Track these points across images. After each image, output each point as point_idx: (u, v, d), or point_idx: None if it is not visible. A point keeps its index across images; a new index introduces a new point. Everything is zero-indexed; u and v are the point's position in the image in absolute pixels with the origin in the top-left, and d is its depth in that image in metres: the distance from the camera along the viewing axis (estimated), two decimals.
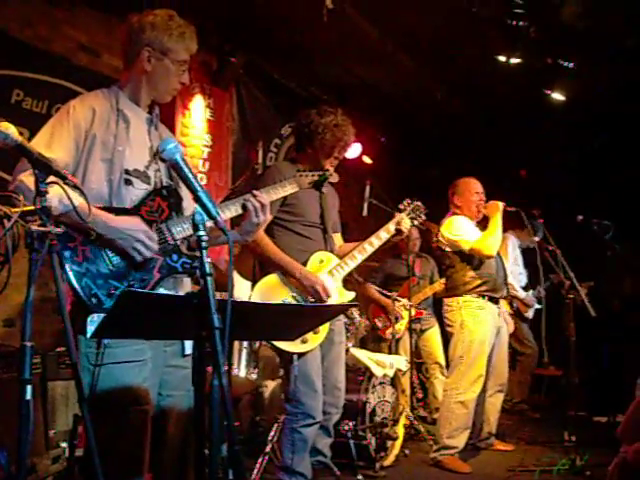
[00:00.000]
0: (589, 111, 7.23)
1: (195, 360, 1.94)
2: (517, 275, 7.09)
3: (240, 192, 2.62)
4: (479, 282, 4.99)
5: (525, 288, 7.16)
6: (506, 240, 6.67)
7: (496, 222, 4.96)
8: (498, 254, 5.17)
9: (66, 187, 1.97)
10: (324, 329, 3.60)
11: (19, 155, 1.96)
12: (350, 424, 4.49)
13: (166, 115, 2.81)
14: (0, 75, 4.67)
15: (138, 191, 2.40)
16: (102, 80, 4.07)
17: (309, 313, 2.45)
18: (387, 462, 4.75)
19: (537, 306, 7.14)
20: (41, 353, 3.83)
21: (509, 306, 6.58)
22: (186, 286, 2.53)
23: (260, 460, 4.24)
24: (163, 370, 2.42)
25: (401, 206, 4.05)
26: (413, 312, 6.11)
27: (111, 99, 2.48)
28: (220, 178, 6.53)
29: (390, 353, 5.81)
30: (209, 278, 1.82)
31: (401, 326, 6.33)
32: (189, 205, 2.50)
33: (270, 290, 3.58)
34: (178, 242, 2.39)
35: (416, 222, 4.08)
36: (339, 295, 3.74)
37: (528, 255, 7.07)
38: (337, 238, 3.99)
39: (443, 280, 5.62)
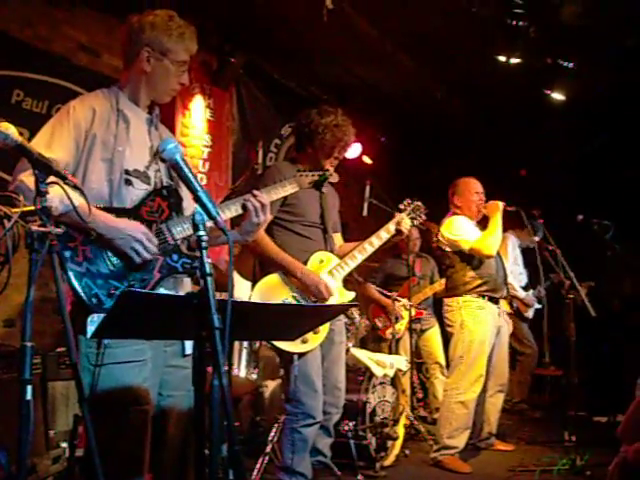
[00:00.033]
0: (589, 111, 7.23)
1: (195, 360, 1.94)
2: (517, 275, 7.09)
3: (240, 192, 2.62)
4: (479, 282, 4.99)
5: (525, 288, 7.16)
6: (506, 240, 6.67)
7: (496, 222, 4.96)
8: (498, 254, 5.17)
9: (66, 187, 1.97)
10: (324, 329, 3.60)
11: (19, 155, 1.96)
12: (350, 424, 4.49)
13: (166, 115, 2.80)
14: (0, 75, 4.68)
15: (138, 191, 2.40)
16: (102, 80, 4.06)
17: (309, 313, 2.45)
18: (387, 462, 4.75)
19: (537, 306, 7.14)
20: (41, 353, 3.82)
21: (509, 306, 6.58)
22: (186, 286, 2.53)
23: (260, 460, 4.24)
24: (163, 370, 2.42)
25: (401, 206, 4.05)
26: (413, 312, 6.11)
27: (111, 99, 2.48)
28: (220, 178, 6.53)
29: (390, 353, 5.81)
30: (209, 278, 1.82)
31: (401, 326, 6.33)
32: (189, 205, 2.50)
33: (270, 290, 3.58)
34: (178, 242, 2.39)
35: (416, 222, 4.08)
36: (339, 295, 3.74)
37: (528, 255, 7.07)
38: (337, 238, 3.99)
39: (443, 280, 5.62)
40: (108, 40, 5.38)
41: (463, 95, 7.55)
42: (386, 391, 4.92)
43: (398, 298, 6.04)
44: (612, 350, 7.39)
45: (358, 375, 4.82)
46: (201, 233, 1.88)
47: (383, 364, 4.87)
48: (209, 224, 1.94)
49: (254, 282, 3.71)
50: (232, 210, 2.52)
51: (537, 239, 6.21)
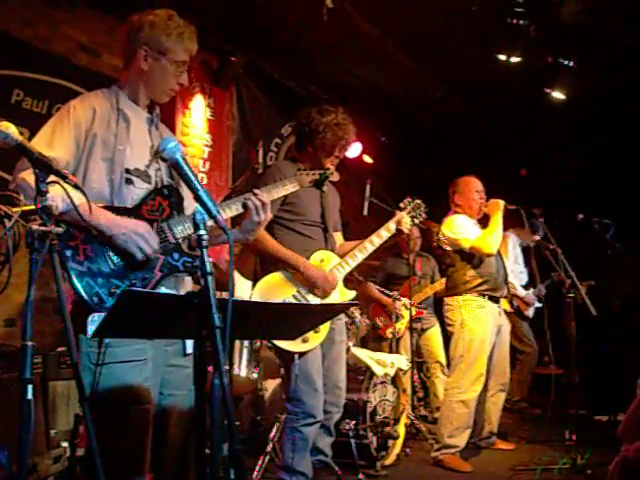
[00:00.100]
0: (589, 110, 7.23)
1: (196, 359, 1.94)
2: (518, 274, 7.09)
3: (240, 191, 2.62)
4: (479, 281, 4.99)
5: (526, 287, 7.16)
6: (506, 239, 6.68)
7: (497, 220, 4.97)
8: (498, 253, 5.17)
9: (67, 186, 1.97)
10: (325, 328, 3.60)
11: (19, 155, 1.96)
12: (351, 423, 4.49)
13: (166, 115, 2.81)
14: (0, 75, 4.68)
15: (139, 190, 2.39)
16: (102, 80, 4.07)
17: (310, 312, 2.45)
18: (388, 461, 4.75)
19: (537, 305, 7.15)
20: (42, 353, 3.82)
21: (509, 304, 6.58)
22: (187, 285, 2.53)
23: (261, 459, 4.25)
24: (164, 369, 2.42)
25: (402, 204, 4.05)
26: (414, 311, 6.11)
27: (111, 99, 2.48)
28: (220, 177, 6.53)
29: (391, 352, 5.82)
30: (210, 277, 1.82)
31: (402, 325, 6.33)
32: (190, 204, 2.49)
33: (271, 289, 3.58)
34: (179, 241, 2.39)
35: (416, 221, 4.08)
36: (340, 294, 3.74)
37: (528, 254, 7.08)
38: (338, 237, 3.99)
39: (444, 280, 5.62)
40: (108, 40, 5.38)
41: (463, 94, 7.55)
42: (387, 390, 4.92)
43: (399, 297, 6.04)
44: (612, 349, 7.39)
45: (359, 374, 4.82)
46: (202, 232, 1.88)
47: (384, 363, 4.87)
48: (210, 223, 1.93)
49: (255, 281, 3.71)
50: (233, 209, 2.51)
51: (537, 238, 6.22)
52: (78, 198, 2.01)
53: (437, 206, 4.85)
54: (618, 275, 7.64)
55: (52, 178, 1.92)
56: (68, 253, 2.18)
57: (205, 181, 6.29)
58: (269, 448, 4.32)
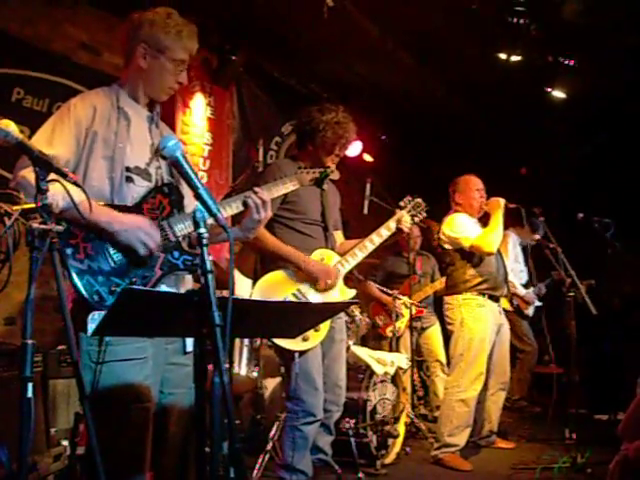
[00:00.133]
0: (590, 109, 7.23)
1: (196, 357, 1.94)
2: (518, 272, 7.09)
3: (241, 190, 2.62)
4: (479, 280, 4.99)
5: (526, 285, 7.16)
6: (507, 237, 6.68)
7: (497, 219, 4.97)
8: (499, 252, 5.17)
9: (67, 184, 1.97)
10: (325, 327, 3.60)
11: (19, 153, 1.96)
12: (351, 422, 4.49)
13: (167, 113, 2.80)
14: (1, 74, 4.68)
15: (139, 188, 2.39)
16: (103, 78, 4.03)
17: (310, 310, 2.45)
18: (388, 460, 4.75)
19: (537, 303, 7.15)
20: (42, 351, 3.82)
21: (509, 303, 6.58)
22: (187, 283, 2.53)
23: (261, 458, 4.25)
24: (164, 368, 2.42)
25: (402, 203, 4.05)
26: (414, 310, 6.11)
27: (112, 97, 2.47)
28: (221, 176, 6.53)
29: (391, 351, 5.82)
30: (210, 275, 1.82)
31: (402, 324, 6.33)
32: (190, 203, 2.49)
33: (271, 288, 3.58)
34: (179, 239, 2.39)
35: (417, 219, 4.08)
36: (340, 293, 3.74)
37: (526, 253, 7.08)
38: (338, 236, 3.99)
39: (444, 279, 5.61)
40: (108, 38, 5.38)
41: (464, 93, 7.55)
42: (387, 389, 4.92)
43: (399, 296, 6.04)
44: (613, 348, 7.40)
45: (359, 373, 4.82)
46: (202, 230, 1.88)
47: (384, 362, 4.88)
48: (210, 221, 1.93)
49: (255, 280, 3.71)
50: (233, 207, 2.51)
51: (538, 237, 6.22)
52: (78, 196, 2.01)
53: (437, 205, 4.85)
54: (618, 274, 7.63)
55: (52, 176, 1.92)
56: (68, 251, 2.18)
57: (205, 179, 6.29)
58: (269, 447, 4.32)
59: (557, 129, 7.88)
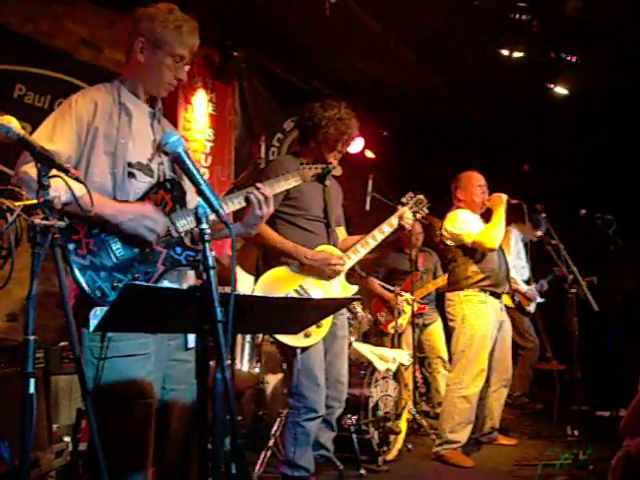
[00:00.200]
0: (592, 105, 7.21)
1: (198, 353, 1.94)
2: (520, 269, 7.08)
3: (243, 186, 2.61)
4: (481, 276, 4.99)
5: (527, 282, 7.15)
6: (509, 234, 6.67)
7: (499, 214, 4.96)
8: (501, 249, 5.17)
9: (69, 179, 1.97)
10: (327, 323, 3.60)
11: (21, 149, 1.96)
12: (353, 418, 4.50)
13: (168, 109, 2.80)
14: (2, 70, 4.67)
15: (141, 184, 2.39)
16: (104, 74, 4.06)
17: (312, 307, 2.45)
18: (390, 456, 4.75)
19: (539, 300, 7.14)
20: (44, 347, 3.82)
21: (511, 300, 6.58)
22: (189, 279, 2.53)
23: (263, 454, 4.25)
24: (167, 364, 2.42)
25: (404, 199, 4.05)
26: (416, 307, 6.11)
27: (113, 93, 2.47)
28: (223, 172, 6.53)
29: (393, 347, 5.82)
30: (212, 271, 1.82)
31: (403, 320, 6.33)
32: (193, 199, 2.48)
33: (273, 284, 3.58)
34: (182, 235, 2.39)
35: (418, 215, 4.08)
36: (342, 289, 3.74)
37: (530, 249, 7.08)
38: (340, 232, 3.99)
39: (446, 276, 5.61)
40: (110, 35, 5.38)
41: (466, 90, 7.53)
42: (388, 385, 4.92)
43: (401, 292, 6.04)
44: (615, 345, 7.39)
45: (360, 369, 4.82)
46: (204, 226, 1.88)
47: (386, 358, 4.88)
48: (212, 217, 1.93)
49: (257, 276, 3.71)
50: (235, 203, 2.51)
51: (540, 233, 6.21)
52: (80, 191, 2.01)
53: (439, 201, 4.85)
54: (620, 271, 7.64)
55: (54, 172, 1.92)
56: (71, 247, 2.19)
57: (207, 176, 6.28)
58: (271, 443, 4.33)
59: (559, 125, 7.87)
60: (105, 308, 2.12)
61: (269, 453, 4.28)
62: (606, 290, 6.87)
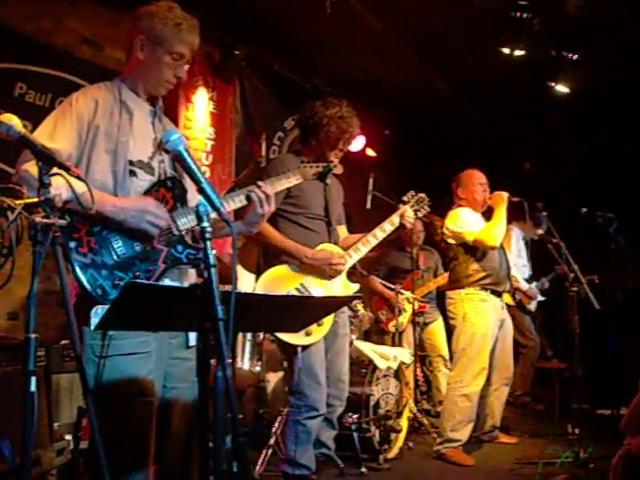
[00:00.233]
0: (593, 103, 7.20)
1: (199, 352, 1.94)
2: (520, 267, 7.08)
3: (244, 185, 2.61)
4: (482, 275, 4.99)
5: (528, 280, 7.15)
6: (510, 232, 6.66)
7: (501, 212, 4.96)
8: (502, 247, 5.16)
9: (69, 177, 1.96)
10: (328, 321, 3.60)
11: (22, 147, 1.95)
12: (354, 417, 4.50)
13: (169, 108, 2.80)
14: (3, 68, 4.67)
15: (142, 182, 2.39)
16: (105, 73, 4.05)
17: (313, 305, 2.45)
18: (391, 455, 4.76)
19: (540, 298, 7.14)
20: (45, 345, 3.83)
21: (511, 298, 6.58)
22: (191, 277, 2.53)
23: (264, 452, 4.26)
24: (168, 362, 2.42)
25: (405, 198, 4.05)
26: (417, 305, 6.11)
27: (114, 91, 2.47)
28: (223, 171, 6.53)
29: (394, 346, 5.82)
30: (213, 269, 1.82)
31: (404, 319, 6.33)
32: (194, 197, 2.47)
33: (274, 282, 3.58)
34: (183, 233, 2.39)
35: (420, 214, 4.08)
36: (343, 287, 3.74)
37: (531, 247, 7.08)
38: (342, 230, 3.99)
39: (447, 274, 5.61)
40: (111, 33, 5.37)
41: (466, 89, 7.52)
42: (389, 384, 4.92)
43: (402, 291, 6.04)
44: (615, 343, 7.38)
45: (361, 368, 4.82)
46: (205, 224, 1.87)
47: (387, 357, 4.88)
48: (213, 215, 1.93)
49: (258, 275, 3.72)
50: (236, 201, 2.51)
51: (541, 232, 6.21)
52: (80, 189, 2.01)
53: (440, 200, 4.84)
54: (621, 269, 7.63)
55: (55, 170, 1.91)
56: (72, 245, 2.19)
57: (208, 174, 6.28)
58: (272, 441, 4.33)
59: (561, 124, 7.86)
60: (106, 306, 2.12)
61: (270, 451, 4.28)
62: (607, 288, 6.86)
